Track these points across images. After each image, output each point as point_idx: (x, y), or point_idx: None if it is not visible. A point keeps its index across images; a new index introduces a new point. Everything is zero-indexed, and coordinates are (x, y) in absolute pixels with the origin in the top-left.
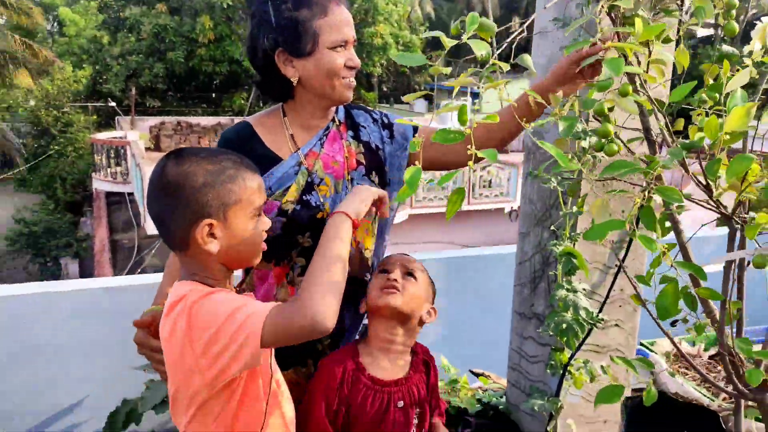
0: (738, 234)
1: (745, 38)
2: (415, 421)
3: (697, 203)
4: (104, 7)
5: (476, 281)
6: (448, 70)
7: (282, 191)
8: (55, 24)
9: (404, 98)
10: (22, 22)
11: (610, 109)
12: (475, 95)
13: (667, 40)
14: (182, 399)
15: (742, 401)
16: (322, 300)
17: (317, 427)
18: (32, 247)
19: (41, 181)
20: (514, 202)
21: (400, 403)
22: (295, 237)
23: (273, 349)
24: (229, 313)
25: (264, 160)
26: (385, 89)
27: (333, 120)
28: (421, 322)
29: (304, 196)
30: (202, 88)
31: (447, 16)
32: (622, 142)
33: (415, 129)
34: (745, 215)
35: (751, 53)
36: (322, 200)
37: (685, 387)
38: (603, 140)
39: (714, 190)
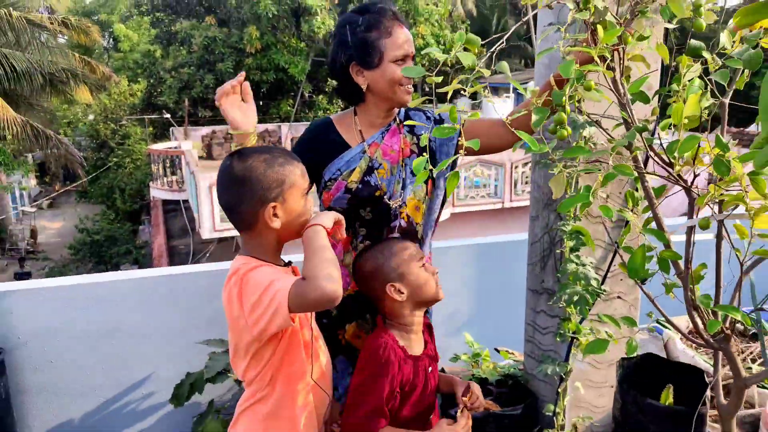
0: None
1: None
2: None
3: (659, 177)
4: (156, 22)
5: (497, 265)
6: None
7: (348, 172)
8: (111, 40)
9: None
10: (81, 41)
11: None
12: (519, 94)
13: (641, 39)
14: (240, 350)
15: (720, 357)
16: (326, 276)
17: (376, 406)
18: (94, 255)
19: (101, 192)
20: (501, 203)
21: (429, 369)
22: (358, 211)
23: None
24: (266, 286)
25: (337, 146)
26: (427, 89)
27: (394, 119)
28: None
29: (365, 177)
30: None
31: (489, 11)
32: (601, 128)
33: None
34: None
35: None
36: (379, 181)
37: (696, 358)
38: (558, 126)
39: (675, 166)
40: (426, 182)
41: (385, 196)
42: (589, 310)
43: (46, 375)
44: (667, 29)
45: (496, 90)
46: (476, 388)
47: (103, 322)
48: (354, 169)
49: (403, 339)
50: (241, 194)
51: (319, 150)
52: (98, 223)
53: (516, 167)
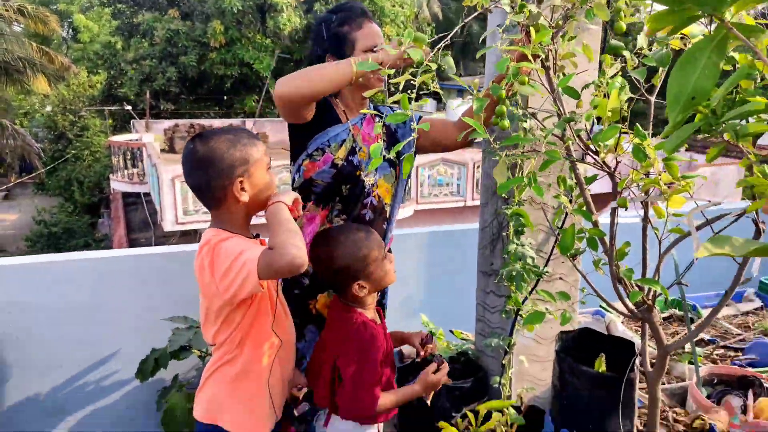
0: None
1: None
2: None
3: (587, 164)
4: (117, 14)
5: (451, 251)
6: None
7: (336, 146)
8: (70, 30)
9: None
10: (38, 30)
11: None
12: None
13: (570, 39)
14: (211, 315)
15: (647, 329)
16: (293, 245)
17: (374, 381)
18: (52, 248)
19: (59, 184)
20: (464, 201)
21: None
22: (340, 186)
23: (280, 280)
24: (237, 254)
25: (331, 118)
26: (392, 89)
27: (369, 108)
28: None
29: (349, 156)
30: (214, 90)
31: (455, 15)
32: (538, 120)
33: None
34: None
35: (641, 48)
36: (360, 162)
37: (635, 338)
38: (498, 118)
39: (600, 153)
40: (394, 168)
41: (362, 175)
42: (528, 286)
43: (12, 350)
44: (605, 32)
45: (461, 92)
46: (427, 335)
47: (69, 299)
48: (342, 144)
49: (365, 311)
50: (209, 173)
51: (320, 104)
52: (56, 215)
53: (478, 167)
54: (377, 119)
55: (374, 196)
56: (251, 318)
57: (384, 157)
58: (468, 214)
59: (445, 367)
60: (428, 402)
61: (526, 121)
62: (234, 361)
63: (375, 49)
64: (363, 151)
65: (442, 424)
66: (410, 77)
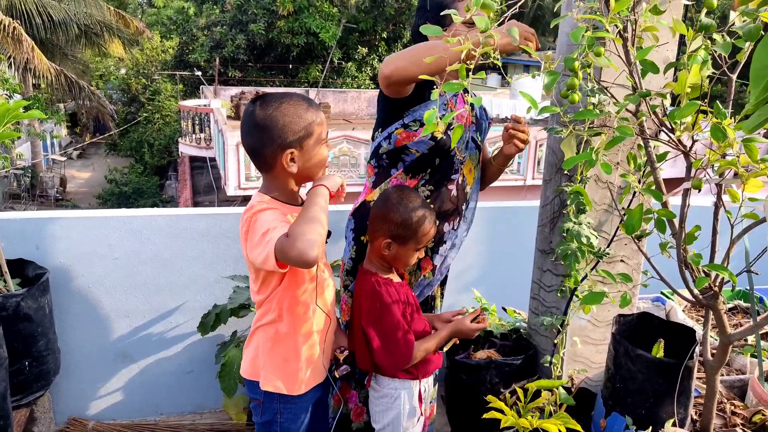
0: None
1: None
2: None
3: (662, 142)
4: None
5: (509, 228)
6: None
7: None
8: None
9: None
10: None
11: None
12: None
13: (656, 12)
14: (251, 274)
15: (710, 317)
16: (306, 240)
17: (402, 330)
18: (122, 206)
19: (130, 145)
20: (524, 180)
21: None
22: (434, 158)
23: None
24: (264, 232)
25: (430, 92)
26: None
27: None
28: None
29: (448, 131)
30: (280, 59)
31: None
32: (609, 93)
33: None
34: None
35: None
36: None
37: (693, 324)
38: (569, 91)
39: (676, 131)
40: (479, 152)
41: (454, 150)
42: (586, 266)
43: (85, 298)
44: (686, 6)
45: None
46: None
47: (139, 252)
48: (441, 117)
49: (383, 273)
50: (263, 139)
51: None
52: (126, 175)
53: (540, 145)
54: (466, 102)
55: (461, 175)
56: (287, 284)
57: (472, 138)
58: (527, 194)
59: (478, 312)
60: (444, 348)
61: (596, 96)
62: (272, 324)
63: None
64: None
65: (490, 397)
66: (471, 47)
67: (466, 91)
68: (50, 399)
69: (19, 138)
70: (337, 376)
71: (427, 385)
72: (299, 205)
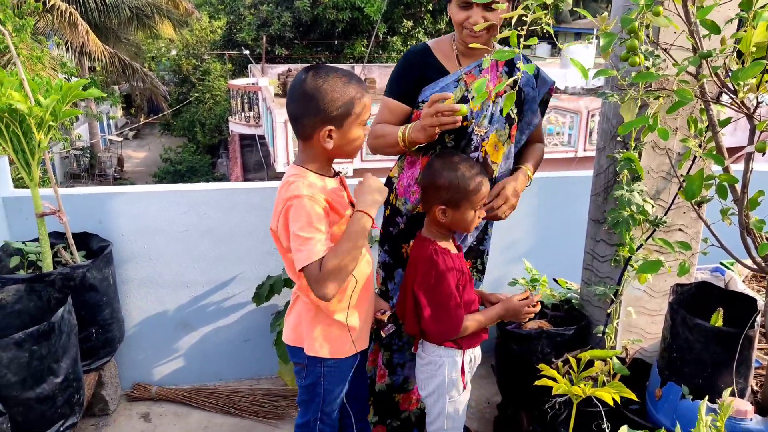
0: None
1: None
2: None
3: (724, 105)
4: None
5: (560, 199)
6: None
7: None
8: None
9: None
10: None
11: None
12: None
13: None
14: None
15: None
16: (328, 287)
17: (454, 302)
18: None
19: (183, 125)
20: (575, 152)
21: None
22: (443, 136)
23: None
24: (305, 238)
25: (435, 70)
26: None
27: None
28: None
29: None
30: (326, 35)
31: None
32: (669, 56)
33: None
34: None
35: None
36: (470, 112)
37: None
38: (629, 53)
39: (739, 93)
40: (510, 126)
41: (471, 126)
42: (642, 235)
43: (146, 269)
44: None
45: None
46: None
47: (197, 225)
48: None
49: (441, 242)
50: (307, 108)
51: (415, 75)
52: (180, 154)
53: (593, 115)
54: (503, 70)
55: (481, 152)
56: None
57: (499, 107)
58: (578, 166)
59: (532, 301)
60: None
61: (654, 58)
62: (309, 294)
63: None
64: (475, 102)
65: (542, 366)
66: (523, 12)
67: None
68: (116, 365)
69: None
70: (384, 335)
71: (473, 355)
72: (331, 176)
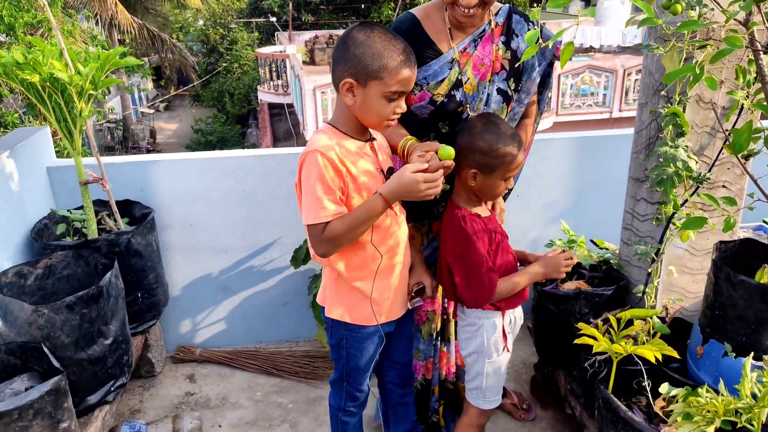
0: None
1: None
2: None
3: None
4: None
5: (598, 159)
6: None
7: (435, 83)
8: None
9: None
10: None
11: None
12: None
13: None
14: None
15: None
16: (326, 249)
17: (485, 267)
18: None
19: (212, 95)
20: (610, 112)
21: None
22: (437, 123)
23: None
24: (317, 198)
25: (428, 52)
26: None
27: (490, 22)
28: None
29: (452, 91)
30: (352, 0)
31: None
32: (717, 3)
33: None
34: None
35: None
36: (464, 96)
37: None
38: (671, 0)
39: None
40: (507, 103)
41: (465, 112)
42: (685, 192)
43: (187, 235)
44: None
45: None
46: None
47: (234, 191)
48: (442, 81)
49: (471, 207)
50: (341, 55)
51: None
52: (211, 125)
53: (629, 74)
54: (500, 41)
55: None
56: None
57: (498, 88)
58: (613, 127)
59: (569, 255)
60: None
61: (695, 8)
62: (333, 262)
63: None
64: (470, 84)
65: (581, 325)
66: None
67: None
68: (161, 328)
69: (109, 92)
70: (409, 307)
71: (513, 317)
72: (365, 140)
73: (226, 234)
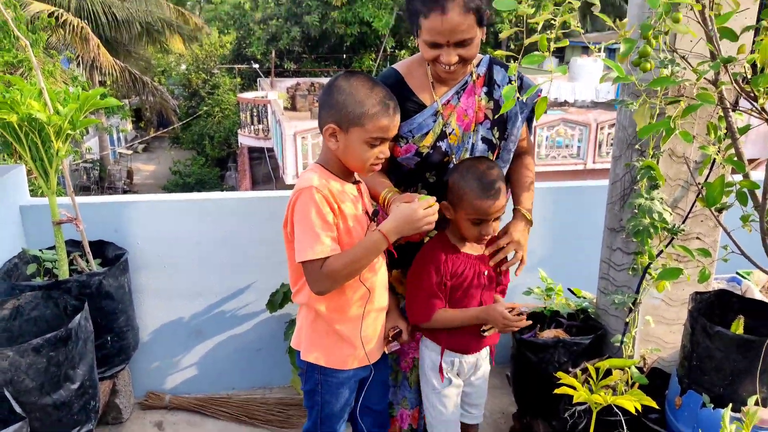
0: None
1: None
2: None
3: (743, 111)
4: None
5: (575, 208)
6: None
7: (420, 136)
8: None
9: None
10: None
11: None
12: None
13: None
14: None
15: None
16: (323, 286)
17: (429, 291)
18: None
19: (192, 138)
20: (584, 164)
21: (486, 272)
22: (423, 173)
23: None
24: (313, 235)
25: (412, 106)
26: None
27: (471, 74)
28: None
29: (437, 143)
30: (334, 49)
31: None
32: (687, 62)
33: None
34: None
35: None
36: (450, 147)
37: None
38: (642, 58)
39: (759, 99)
40: (493, 150)
41: (451, 162)
42: (659, 243)
43: (160, 277)
44: None
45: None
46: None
47: (211, 234)
48: (427, 134)
49: (456, 240)
50: (324, 102)
51: None
52: (189, 167)
53: (602, 128)
54: (482, 92)
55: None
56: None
57: (482, 137)
58: (587, 178)
59: (516, 312)
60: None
61: (671, 65)
62: (314, 303)
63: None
64: (455, 134)
65: (560, 374)
66: (550, 17)
67: (480, 77)
68: (130, 373)
69: (88, 132)
70: (387, 351)
71: (459, 361)
72: (351, 182)
73: (200, 277)
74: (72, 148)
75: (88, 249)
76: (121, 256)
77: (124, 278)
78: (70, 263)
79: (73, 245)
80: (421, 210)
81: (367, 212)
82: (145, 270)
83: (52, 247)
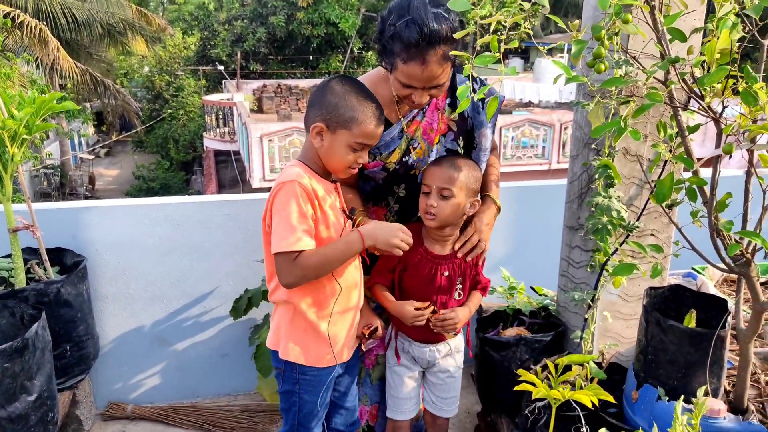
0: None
1: None
2: (459, 286)
3: (693, 111)
4: None
5: (536, 207)
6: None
7: (387, 154)
8: None
9: (475, 61)
10: None
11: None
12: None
13: None
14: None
15: (742, 285)
16: (293, 280)
17: (379, 273)
18: None
19: (156, 142)
20: (549, 164)
21: (446, 273)
22: (392, 187)
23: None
24: (291, 227)
25: None
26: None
27: None
28: (465, 214)
29: (403, 158)
30: (300, 51)
31: None
32: (638, 63)
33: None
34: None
35: None
36: (416, 160)
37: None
38: (595, 60)
39: (705, 98)
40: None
41: (419, 174)
42: (615, 240)
43: (120, 284)
44: None
45: (550, 51)
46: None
47: (171, 238)
48: (393, 151)
49: (428, 241)
50: (315, 101)
51: None
52: (153, 171)
53: (566, 128)
54: (446, 103)
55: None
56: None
57: (443, 147)
58: (552, 178)
59: (424, 314)
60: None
61: (622, 67)
62: (294, 298)
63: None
64: (420, 148)
65: (521, 371)
66: (501, 19)
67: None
68: (90, 383)
69: (48, 137)
70: (364, 349)
71: (409, 349)
72: (329, 181)
73: (162, 283)
74: (31, 154)
75: (45, 256)
76: (79, 263)
77: (83, 286)
78: (27, 271)
79: (31, 253)
80: (401, 233)
81: (344, 210)
82: (105, 277)
83: (8, 255)
